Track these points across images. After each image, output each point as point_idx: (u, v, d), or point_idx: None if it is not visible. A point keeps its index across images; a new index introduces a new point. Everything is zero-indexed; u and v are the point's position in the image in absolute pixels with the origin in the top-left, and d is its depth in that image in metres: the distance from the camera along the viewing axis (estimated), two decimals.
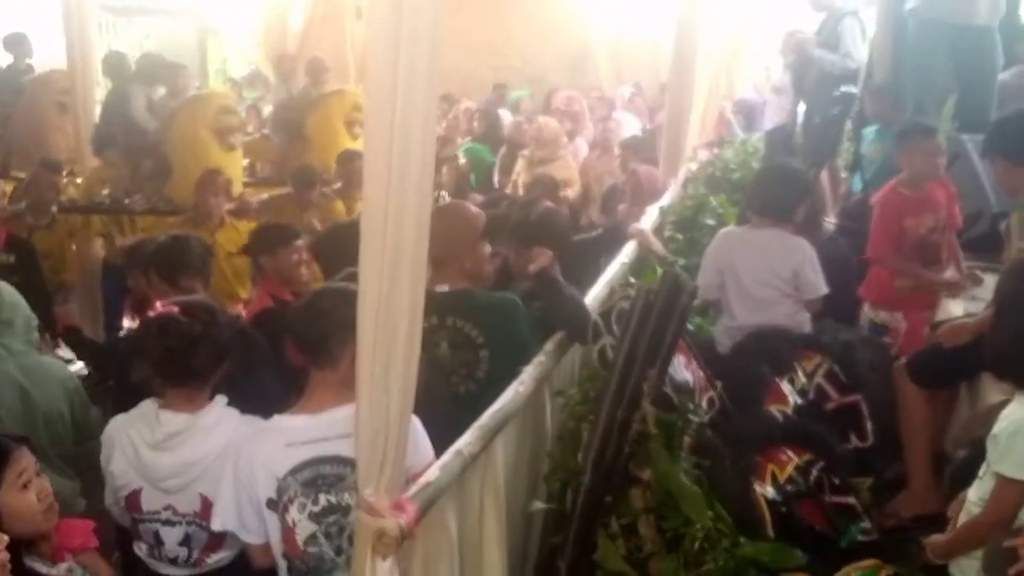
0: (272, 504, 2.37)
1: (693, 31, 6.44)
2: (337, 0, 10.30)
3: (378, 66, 1.98)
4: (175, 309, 2.57)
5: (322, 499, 2.34)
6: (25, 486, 2.14)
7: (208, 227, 5.26)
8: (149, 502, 2.58)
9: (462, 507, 2.45)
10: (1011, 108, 4.46)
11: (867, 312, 4.55)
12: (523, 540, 2.94)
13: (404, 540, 2.02)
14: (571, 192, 7.24)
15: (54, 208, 5.99)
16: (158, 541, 2.60)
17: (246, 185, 7.39)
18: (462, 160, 8.49)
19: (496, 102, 11.08)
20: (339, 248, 3.48)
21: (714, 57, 7.61)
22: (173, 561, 2.62)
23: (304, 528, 2.35)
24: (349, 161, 6.40)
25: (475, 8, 12.45)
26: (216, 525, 2.44)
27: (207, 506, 2.52)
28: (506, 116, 9.92)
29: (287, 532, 2.36)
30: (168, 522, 2.59)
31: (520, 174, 7.70)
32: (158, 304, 2.62)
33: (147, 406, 2.61)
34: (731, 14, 8.40)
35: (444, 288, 3.04)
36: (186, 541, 2.60)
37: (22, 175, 6.64)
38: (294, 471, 2.34)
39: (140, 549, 2.65)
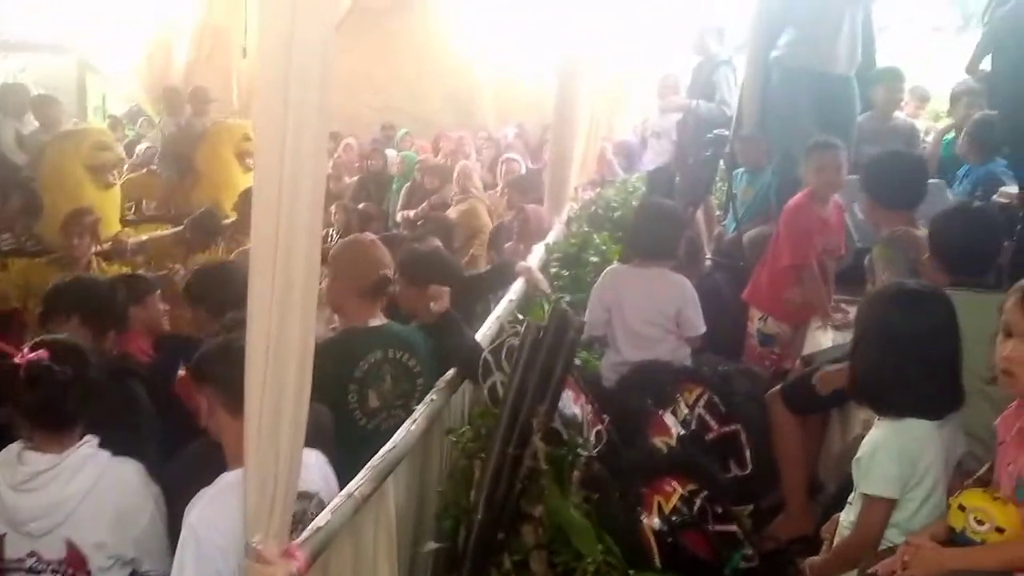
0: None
1: (575, 75, 6.65)
2: (222, 38, 10.19)
3: (267, 104, 1.99)
4: (45, 355, 2.48)
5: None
6: None
7: (74, 270, 5.02)
8: (13, 549, 2.46)
9: (356, 549, 2.43)
10: (875, 150, 4.76)
11: (755, 322, 4.73)
12: None
13: None
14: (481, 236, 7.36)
15: None
16: None
17: (131, 224, 7.17)
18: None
19: (384, 142, 11.15)
20: (218, 289, 3.42)
21: (595, 99, 7.87)
22: None
23: None
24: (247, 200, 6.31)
25: (362, 49, 12.50)
26: None
27: (74, 555, 2.43)
28: (392, 155, 9.98)
29: None
30: (33, 570, 2.47)
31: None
32: (26, 349, 2.52)
33: (12, 448, 2.51)
34: (611, 58, 8.71)
35: (376, 323, 3.21)
36: None
37: None
38: None
39: None
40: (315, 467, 2.49)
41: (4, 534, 2.46)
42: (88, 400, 2.52)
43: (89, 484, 2.47)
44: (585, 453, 2.79)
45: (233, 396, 2.07)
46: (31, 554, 2.46)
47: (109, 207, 6.40)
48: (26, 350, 2.51)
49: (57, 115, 6.90)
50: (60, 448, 2.48)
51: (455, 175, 7.95)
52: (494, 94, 11.12)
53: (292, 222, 1.98)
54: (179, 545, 2.26)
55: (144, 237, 6.54)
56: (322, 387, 2.86)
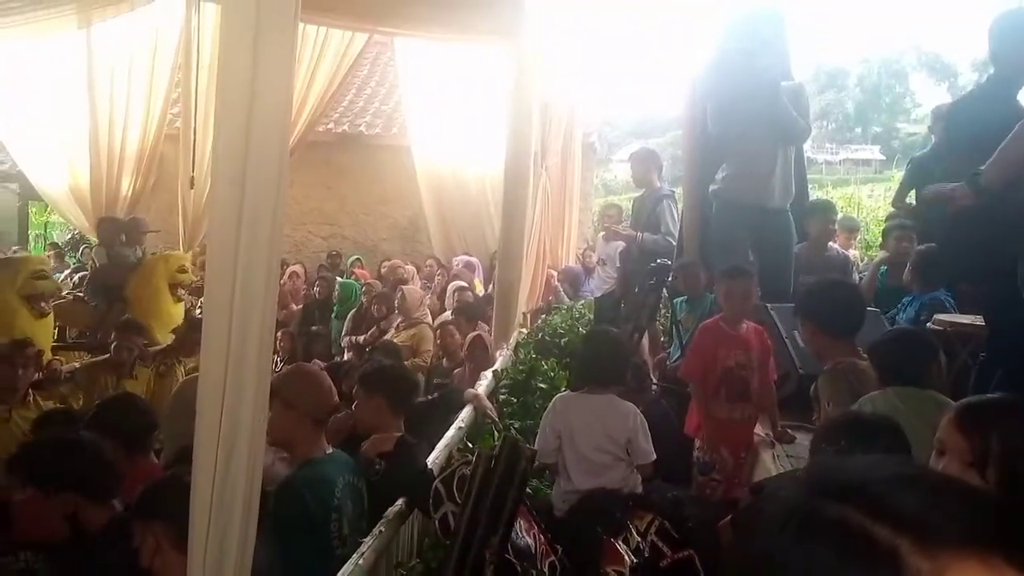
0: None
1: (520, 207, 6.83)
2: (169, 168, 10.27)
3: (220, 238, 2.02)
4: None
5: None
6: None
7: (9, 403, 4.94)
8: None
9: None
10: (811, 279, 4.94)
11: (696, 451, 4.73)
12: None
13: None
14: (425, 356, 7.35)
15: None
16: None
17: (58, 350, 7.03)
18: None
19: (331, 269, 11.25)
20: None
21: (539, 229, 8.07)
22: None
23: None
24: (191, 329, 6.28)
25: (308, 180, 12.72)
26: None
27: None
28: (338, 281, 10.03)
29: None
30: None
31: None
32: None
33: None
34: (553, 191, 9.00)
35: (330, 450, 3.27)
36: None
37: None
38: None
39: None
40: None
41: None
42: None
43: None
44: None
45: (179, 530, 2.01)
46: None
47: (43, 336, 6.28)
48: None
49: None
50: None
51: (397, 300, 7.99)
52: (440, 222, 11.31)
53: (242, 349, 1.98)
54: None
55: (76, 364, 6.39)
56: (309, 518, 2.83)
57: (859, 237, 9.48)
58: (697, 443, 4.75)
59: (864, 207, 20.83)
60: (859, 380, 3.50)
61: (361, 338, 8.23)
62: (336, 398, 3.32)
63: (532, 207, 7.38)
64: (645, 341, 6.54)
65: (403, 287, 8.44)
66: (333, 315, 9.13)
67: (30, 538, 2.77)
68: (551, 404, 4.09)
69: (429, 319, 8.16)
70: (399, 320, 7.99)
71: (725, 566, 2.38)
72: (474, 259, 10.19)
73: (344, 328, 8.75)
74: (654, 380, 6.09)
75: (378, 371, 3.79)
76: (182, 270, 8.03)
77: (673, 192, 7.72)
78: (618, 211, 9.46)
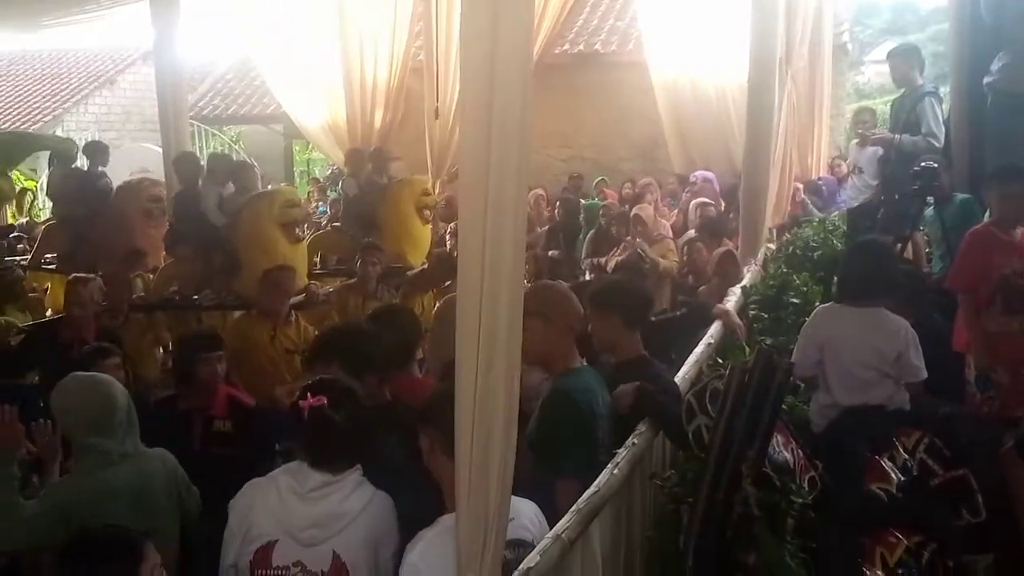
0: None
1: (768, 112, 6.50)
2: (416, 102, 10.72)
3: (471, 163, 2.07)
4: (323, 401, 2.66)
5: None
6: None
7: (274, 322, 5.37)
8: (281, 556, 2.60)
9: None
10: None
11: (971, 368, 4.42)
12: None
13: None
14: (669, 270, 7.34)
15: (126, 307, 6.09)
16: None
17: (317, 276, 7.56)
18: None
19: (573, 191, 11.29)
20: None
21: (785, 140, 7.66)
22: None
23: None
24: (439, 263, 6.59)
25: (547, 101, 12.78)
26: None
27: (338, 567, 2.56)
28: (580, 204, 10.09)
29: None
30: None
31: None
32: (309, 395, 2.71)
33: (295, 464, 2.70)
34: (800, 97, 8.49)
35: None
36: None
37: None
38: None
39: None
40: (527, 516, 2.51)
41: (276, 541, 2.61)
42: (357, 439, 2.70)
43: (360, 506, 2.63)
44: (799, 500, 2.65)
45: (450, 438, 2.12)
46: (296, 563, 2.60)
47: (299, 260, 6.74)
48: (310, 396, 2.69)
49: (253, 180, 7.36)
50: (334, 471, 2.65)
51: (642, 220, 7.92)
52: (680, 138, 11.05)
53: (496, 271, 2.04)
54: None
55: (330, 288, 6.83)
56: (580, 421, 2.96)
57: None
58: (968, 359, 4.41)
59: None
60: None
61: (603, 259, 8.26)
62: (583, 312, 3.33)
63: (777, 117, 6.99)
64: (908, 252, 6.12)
65: (641, 205, 8.35)
66: (579, 237, 9.19)
67: None
68: (812, 316, 3.93)
69: (671, 237, 8.05)
70: (641, 240, 7.92)
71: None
72: (711, 174, 9.87)
73: (584, 250, 8.81)
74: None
75: (609, 288, 3.71)
76: (426, 193, 8.32)
77: (937, 89, 7.04)
78: (872, 115, 8.76)
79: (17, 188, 10.19)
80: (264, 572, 2.60)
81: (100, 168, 8.29)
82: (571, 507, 2.49)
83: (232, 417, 3.96)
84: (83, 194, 7.90)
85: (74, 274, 6.04)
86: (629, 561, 2.96)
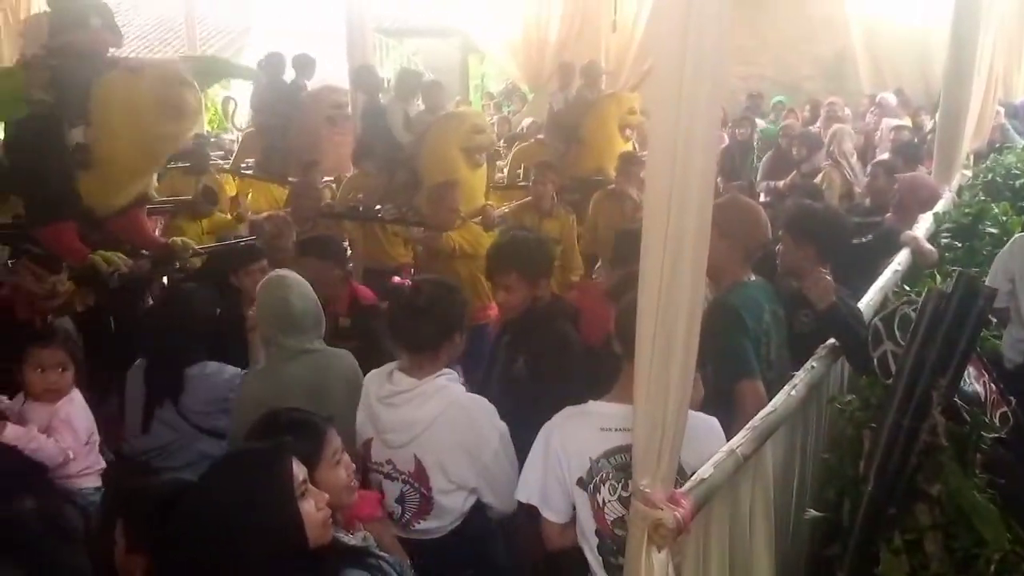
0: (582, 483, 2.47)
1: (974, 23, 5.99)
2: (592, 15, 10.51)
3: (664, 71, 2.02)
4: (407, 282, 2.78)
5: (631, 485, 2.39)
6: (337, 462, 2.28)
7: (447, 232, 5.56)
8: (377, 453, 2.83)
9: (733, 507, 2.43)
10: None
11: None
12: (791, 547, 2.86)
13: (679, 534, 2.03)
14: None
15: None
16: (382, 493, 2.81)
17: (518, 187, 7.64)
18: None
19: (753, 110, 10.88)
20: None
21: (993, 54, 7.05)
22: (390, 515, 2.80)
23: (613, 510, 2.44)
24: (630, 163, 6.66)
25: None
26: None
27: (420, 470, 2.74)
28: (760, 124, 9.73)
29: (597, 511, 2.46)
30: (389, 476, 2.82)
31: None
32: (395, 278, 2.84)
33: (389, 366, 2.88)
34: (1010, 9, 7.76)
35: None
36: (401, 499, 2.80)
37: None
38: (608, 454, 2.44)
39: None
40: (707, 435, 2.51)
41: (372, 438, 2.84)
42: (441, 333, 2.80)
43: (436, 412, 2.75)
44: (991, 434, 2.53)
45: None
46: (388, 461, 2.82)
47: (478, 184, 6.81)
48: (395, 279, 2.83)
49: (442, 99, 7.38)
50: (421, 374, 2.80)
51: (828, 139, 7.55)
52: (870, 55, 10.36)
53: (684, 186, 2.00)
54: (534, 444, 2.55)
55: (505, 208, 6.90)
56: (744, 335, 2.99)
57: None
58: None
59: None
60: None
61: (780, 183, 7.95)
62: (769, 233, 3.26)
63: (984, 31, 6.42)
64: None
65: (840, 125, 7.93)
66: (751, 160, 8.88)
67: None
68: (1008, 244, 3.69)
69: (853, 158, 7.65)
70: (825, 161, 7.57)
71: None
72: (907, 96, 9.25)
73: (760, 172, 8.51)
74: None
75: (810, 217, 3.59)
76: (632, 111, 8.14)
77: None
78: None
79: (221, 96, 10.82)
80: (368, 465, 2.84)
81: (305, 81, 8.62)
82: (753, 409, 2.51)
83: (351, 314, 4.21)
84: (281, 105, 8.23)
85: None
86: (801, 482, 2.93)
